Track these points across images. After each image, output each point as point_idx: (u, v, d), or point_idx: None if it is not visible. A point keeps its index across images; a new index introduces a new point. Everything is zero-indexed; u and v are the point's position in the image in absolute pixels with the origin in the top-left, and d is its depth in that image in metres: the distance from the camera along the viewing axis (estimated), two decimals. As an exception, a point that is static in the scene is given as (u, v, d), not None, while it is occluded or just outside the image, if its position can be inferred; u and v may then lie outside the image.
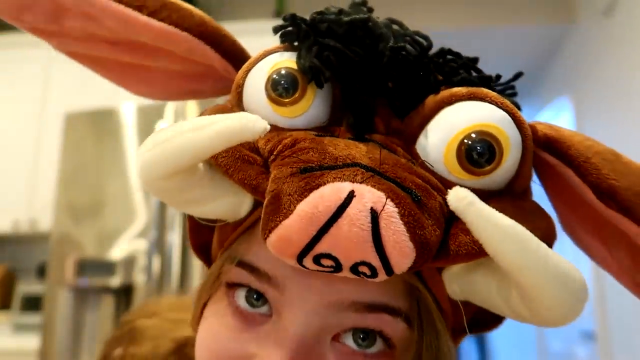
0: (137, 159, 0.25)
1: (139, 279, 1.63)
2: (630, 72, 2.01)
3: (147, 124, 1.75)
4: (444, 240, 0.23)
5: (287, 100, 0.26)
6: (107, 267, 1.62)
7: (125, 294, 1.63)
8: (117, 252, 1.65)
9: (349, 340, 0.26)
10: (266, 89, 0.26)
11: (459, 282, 0.26)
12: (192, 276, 1.60)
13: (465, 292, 0.26)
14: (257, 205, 0.27)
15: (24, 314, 2.03)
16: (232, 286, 0.28)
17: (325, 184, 0.22)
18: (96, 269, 1.63)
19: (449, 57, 0.27)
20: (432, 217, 0.23)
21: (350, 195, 0.21)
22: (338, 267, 0.22)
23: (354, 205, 0.21)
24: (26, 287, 2.11)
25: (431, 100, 0.26)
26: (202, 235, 0.32)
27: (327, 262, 0.22)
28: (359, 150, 0.24)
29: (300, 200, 0.22)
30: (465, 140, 0.24)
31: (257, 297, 0.27)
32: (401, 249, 0.21)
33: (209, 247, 0.32)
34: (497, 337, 3.53)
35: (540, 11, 2.49)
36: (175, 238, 1.60)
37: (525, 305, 0.24)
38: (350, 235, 0.21)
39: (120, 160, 1.73)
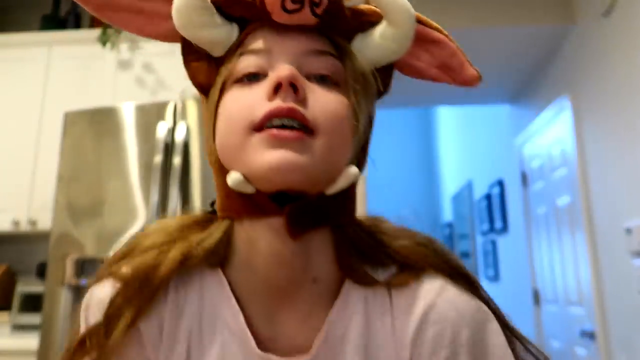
0: None
1: (139, 278, 1.62)
2: (629, 71, 2.01)
3: (146, 123, 1.75)
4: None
5: None
6: (107, 267, 1.62)
7: (125, 293, 1.63)
8: (117, 252, 1.65)
9: (313, 80, 0.45)
10: None
11: (361, 50, 0.47)
12: (192, 276, 1.60)
13: (364, 54, 0.47)
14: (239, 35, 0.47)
15: (24, 314, 2.03)
16: (238, 80, 0.45)
17: None
18: (96, 269, 1.63)
19: None
20: None
21: None
22: (302, 2, 0.43)
23: None
24: (26, 287, 2.11)
25: None
26: (200, 78, 0.48)
27: None
28: None
29: None
30: None
31: (254, 76, 0.45)
32: None
33: (204, 86, 0.48)
34: (497, 337, 3.52)
35: (540, 11, 2.49)
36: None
37: (391, 29, 0.46)
38: None
39: (120, 160, 1.73)
